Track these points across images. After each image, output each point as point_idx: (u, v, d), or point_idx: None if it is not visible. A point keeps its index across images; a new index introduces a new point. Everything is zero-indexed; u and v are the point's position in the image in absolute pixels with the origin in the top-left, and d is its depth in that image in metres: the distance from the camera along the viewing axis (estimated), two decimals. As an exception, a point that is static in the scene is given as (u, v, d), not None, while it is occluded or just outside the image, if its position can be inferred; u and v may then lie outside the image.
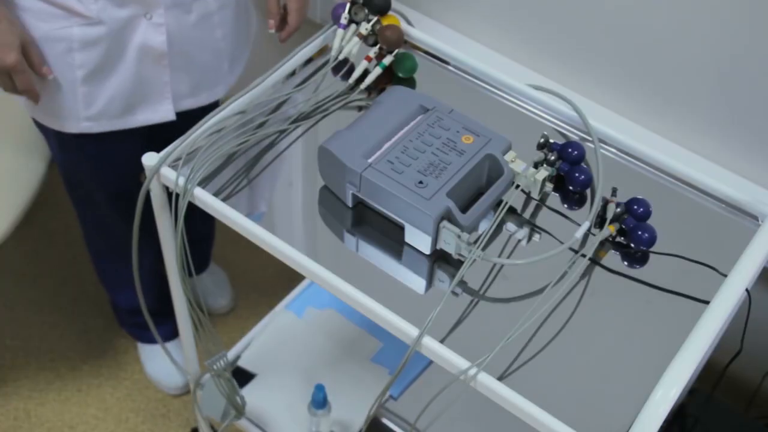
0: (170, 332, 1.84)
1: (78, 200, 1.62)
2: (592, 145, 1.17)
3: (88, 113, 1.31)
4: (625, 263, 1.05)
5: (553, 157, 1.10)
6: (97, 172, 1.46)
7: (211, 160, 1.10)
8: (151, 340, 1.87)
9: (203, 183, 1.10)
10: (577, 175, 1.10)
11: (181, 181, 1.07)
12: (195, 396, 1.50)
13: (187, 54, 1.31)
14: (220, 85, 1.40)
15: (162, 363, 1.86)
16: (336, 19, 1.26)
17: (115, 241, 1.64)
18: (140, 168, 1.10)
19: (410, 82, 1.26)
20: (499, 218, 1.03)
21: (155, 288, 1.76)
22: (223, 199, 1.09)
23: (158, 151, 1.09)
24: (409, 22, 1.33)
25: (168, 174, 1.08)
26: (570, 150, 1.12)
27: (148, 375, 1.88)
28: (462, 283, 1.02)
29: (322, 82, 1.24)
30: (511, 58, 1.46)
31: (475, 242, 1.00)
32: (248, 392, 1.51)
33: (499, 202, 1.08)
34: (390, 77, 1.26)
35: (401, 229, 1.04)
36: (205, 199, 1.07)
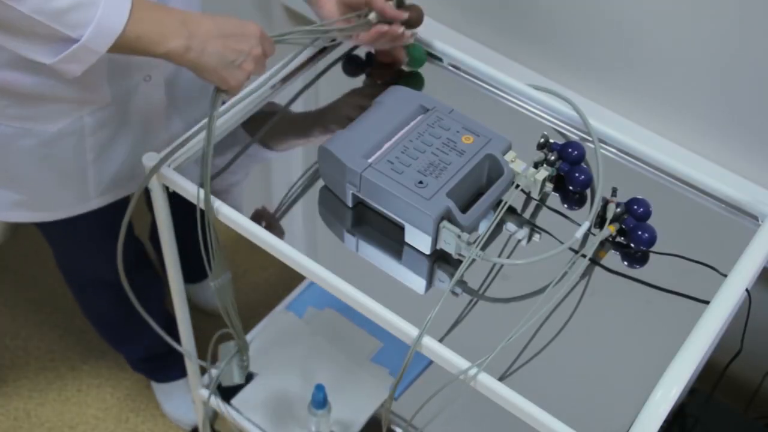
0: (183, 369, 1.79)
1: (74, 280, 1.59)
2: (592, 145, 1.17)
3: (97, 191, 1.26)
4: (625, 263, 1.05)
5: (553, 157, 1.10)
6: (99, 245, 1.41)
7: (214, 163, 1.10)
8: (165, 379, 1.82)
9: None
10: (577, 175, 1.10)
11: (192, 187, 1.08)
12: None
13: (183, 98, 1.27)
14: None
15: (179, 401, 1.81)
16: None
17: (117, 304, 1.56)
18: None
19: (418, 78, 1.26)
20: (499, 218, 1.03)
21: (164, 326, 1.75)
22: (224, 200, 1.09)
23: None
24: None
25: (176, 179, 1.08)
26: (570, 150, 1.12)
27: (165, 413, 1.84)
28: (462, 283, 1.02)
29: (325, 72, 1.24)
30: (511, 58, 1.45)
31: (475, 242, 1.00)
32: (248, 392, 1.51)
33: (499, 202, 1.08)
34: (394, 73, 1.26)
35: (401, 229, 1.04)
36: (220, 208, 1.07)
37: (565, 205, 1.10)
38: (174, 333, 1.56)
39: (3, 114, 1.11)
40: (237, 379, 1.32)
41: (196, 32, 1.01)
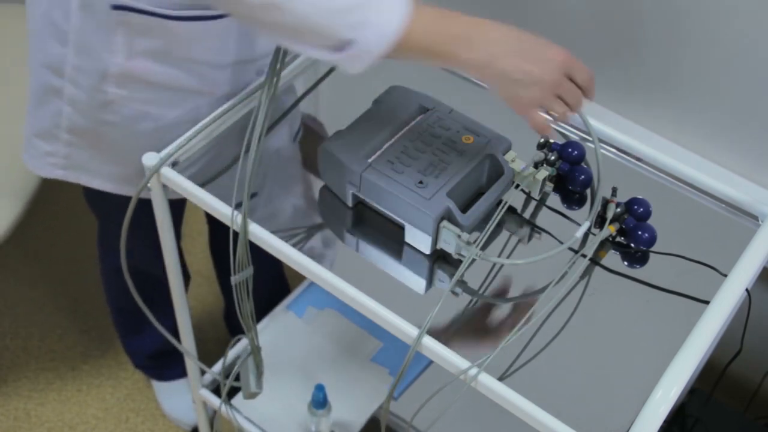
0: (185, 370, 1.80)
1: (109, 262, 1.60)
2: (592, 145, 1.17)
3: None
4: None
5: (553, 157, 1.10)
6: (147, 234, 1.42)
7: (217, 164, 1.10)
8: (166, 378, 1.83)
9: (206, 185, 1.10)
10: (577, 174, 1.10)
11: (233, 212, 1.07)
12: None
13: None
14: None
15: (179, 400, 1.82)
16: None
17: (142, 292, 1.60)
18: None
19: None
20: (498, 218, 1.03)
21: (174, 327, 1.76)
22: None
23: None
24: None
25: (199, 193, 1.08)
26: (570, 150, 1.12)
27: (165, 413, 1.84)
28: (462, 283, 1.02)
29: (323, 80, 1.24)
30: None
31: (475, 242, 1.00)
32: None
33: (499, 202, 1.08)
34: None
35: (401, 229, 1.04)
36: (213, 203, 1.07)
37: (565, 205, 1.10)
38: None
39: (128, 97, 1.15)
40: (254, 387, 1.31)
41: (488, 41, 0.95)
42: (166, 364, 1.79)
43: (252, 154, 1.04)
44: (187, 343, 1.41)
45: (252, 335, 1.21)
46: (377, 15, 0.90)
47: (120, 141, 1.21)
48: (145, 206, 1.21)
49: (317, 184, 1.12)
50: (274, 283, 1.78)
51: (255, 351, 1.25)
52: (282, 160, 1.19)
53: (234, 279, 1.09)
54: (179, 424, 1.82)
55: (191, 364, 1.46)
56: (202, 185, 1.09)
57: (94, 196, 1.37)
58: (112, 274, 1.63)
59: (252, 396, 1.30)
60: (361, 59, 0.92)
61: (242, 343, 1.57)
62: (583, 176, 1.10)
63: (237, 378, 1.31)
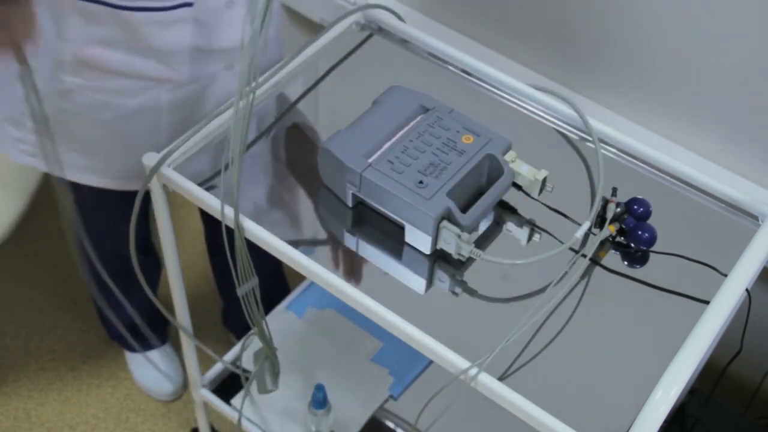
0: (160, 338, 1.87)
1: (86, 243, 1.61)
2: (592, 146, 1.17)
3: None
4: (625, 263, 1.05)
5: (619, 210, 1.06)
6: (123, 221, 1.44)
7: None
8: (139, 349, 1.87)
9: (205, 185, 1.10)
10: (640, 232, 1.05)
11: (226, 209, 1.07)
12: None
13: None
14: None
15: (151, 371, 1.86)
16: None
17: (119, 270, 1.60)
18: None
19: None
20: (498, 218, 1.03)
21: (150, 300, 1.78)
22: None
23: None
24: (400, 18, 1.33)
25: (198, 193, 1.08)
26: (636, 207, 1.07)
27: (137, 383, 1.89)
28: (462, 283, 1.02)
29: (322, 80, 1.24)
30: (511, 58, 1.46)
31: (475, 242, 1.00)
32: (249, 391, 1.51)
33: (499, 202, 1.08)
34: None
35: (401, 229, 1.04)
36: (208, 200, 1.07)
37: (626, 263, 1.06)
38: (159, 310, 1.64)
39: (87, 86, 1.16)
40: (270, 385, 1.31)
41: None
42: (139, 337, 1.80)
43: (235, 169, 1.02)
44: (186, 347, 1.41)
45: (266, 340, 1.22)
46: None
47: (81, 131, 1.21)
48: (128, 196, 1.22)
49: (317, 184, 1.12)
50: (272, 279, 1.79)
51: (271, 354, 1.26)
52: (251, 155, 1.18)
53: (240, 291, 1.09)
54: (150, 393, 1.86)
55: (191, 364, 1.46)
56: (202, 185, 1.09)
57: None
58: (84, 252, 1.64)
59: (268, 392, 1.32)
60: None
61: (251, 342, 1.57)
62: (647, 234, 1.05)
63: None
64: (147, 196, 1.14)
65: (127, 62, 1.14)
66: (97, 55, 1.12)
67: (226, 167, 1.09)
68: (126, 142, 1.24)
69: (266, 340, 1.24)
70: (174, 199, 1.14)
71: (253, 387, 1.53)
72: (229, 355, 1.56)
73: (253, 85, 1.01)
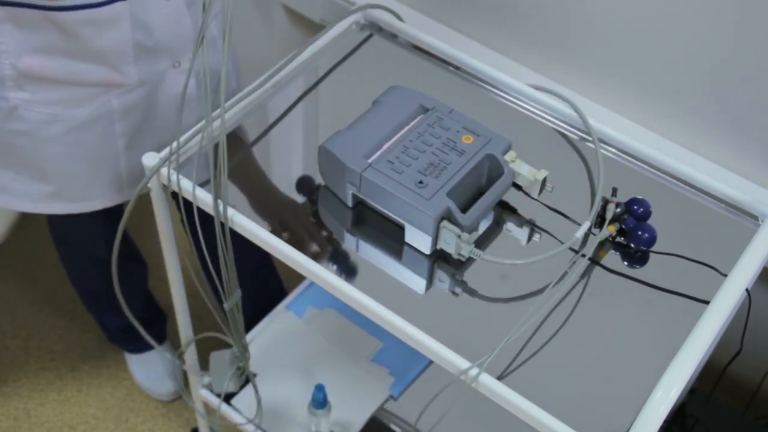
0: (157, 338, 1.87)
1: (67, 254, 1.62)
2: (592, 146, 1.17)
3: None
4: (625, 263, 1.05)
5: (619, 210, 1.06)
6: (99, 230, 1.43)
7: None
8: (139, 350, 1.87)
9: (206, 186, 1.10)
10: (640, 233, 1.05)
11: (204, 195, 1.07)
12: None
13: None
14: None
15: (151, 371, 1.86)
16: None
17: (104, 277, 1.58)
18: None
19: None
20: (496, 217, 1.03)
21: (144, 301, 1.80)
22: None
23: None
24: (399, 18, 1.33)
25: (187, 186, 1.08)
26: (635, 207, 1.07)
27: (137, 383, 1.88)
28: (462, 283, 1.02)
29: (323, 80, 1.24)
30: (511, 58, 1.45)
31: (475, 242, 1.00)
32: (248, 392, 1.51)
33: (499, 202, 1.08)
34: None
35: (401, 229, 1.04)
36: (206, 199, 1.07)
37: (626, 263, 1.06)
38: (153, 308, 1.82)
39: (31, 100, 1.11)
40: (231, 387, 1.35)
41: None
42: (138, 337, 1.82)
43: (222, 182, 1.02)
44: (189, 355, 1.41)
45: (241, 351, 1.23)
46: None
47: (35, 151, 1.16)
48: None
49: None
50: (262, 271, 1.78)
51: (245, 362, 1.27)
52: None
53: (227, 305, 1.08)
54: (150, 393, 1.86)
55: (191, 365, 1.46)
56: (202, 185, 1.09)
57: None
58: (74, 263, 1.65)
59: (224, 391, 1.34)
60: None
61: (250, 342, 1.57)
62: (647, 234, 1.05)
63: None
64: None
65: (70, 69, 1.09)
66: (38, 64, 1.07)
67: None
68: (83, 154, 1.18)
69: (243, 350, 1.25)
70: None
71: (252, 389, 1.53)
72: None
73: (219, 111, 0.97)
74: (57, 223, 1.46)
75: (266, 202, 1.10)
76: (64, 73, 1.09)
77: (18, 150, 1.16)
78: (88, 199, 1.26)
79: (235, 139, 1.17)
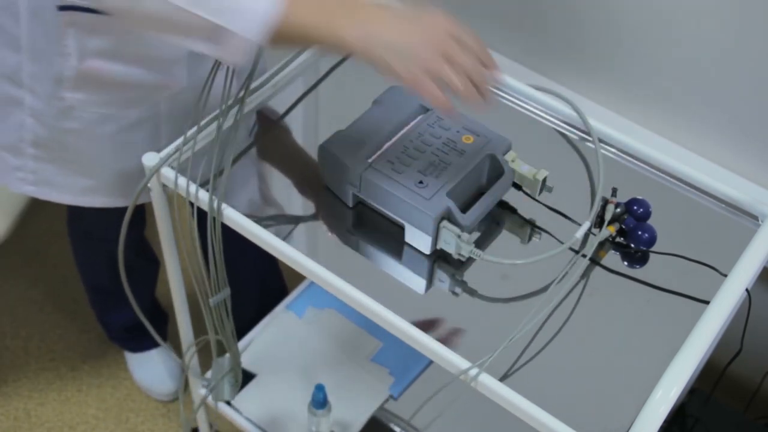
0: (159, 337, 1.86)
1: (81, 248, 1.62)
2: (592, 146, 1.17)
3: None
4: (625, 263, 1.05)
5: (619, 210, 1.06)
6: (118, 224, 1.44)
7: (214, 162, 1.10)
8: (140, 349, 1.87)
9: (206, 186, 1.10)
10: (640, 232, 1.05)
11: (202, 194, 1.07)
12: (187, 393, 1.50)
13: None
14: None
15: (151, 370, 1.86)
16: None
17: (114, 274, 1.61)
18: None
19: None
20: (495, 217, 1.03)
21: (151, 300, 1.80)
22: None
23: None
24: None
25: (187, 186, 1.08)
26: (635, 207, 1.07)
27: (137, 383, 1.88)
28: (462, 283, 1.02)
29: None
30: (511, 58, 1.45)
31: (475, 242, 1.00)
32: (248, 392, 1.51)
33: (499, 202, 1.08)
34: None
35: (401, 229, 1.04)
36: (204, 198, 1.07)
37: (626, 263, 1.07)
38: (157, 309, 1.83)
39: (87, 100, 1.14)
40: (227, 395, 1.35)
41: (366, 18, 0.91)
42: (140, 336, 1.81)
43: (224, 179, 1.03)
44: (189, 356, 1.41)
45: (234, 352, 1.22)
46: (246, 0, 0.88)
47: (84, 148, 1.19)
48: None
49: (275, 178, 1.12)
50: (265, 271, 1.78)
51: (236, 365, 1.26)
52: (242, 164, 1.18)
53: (212, 301, 1.08)
54: (150, 393, 1.86)
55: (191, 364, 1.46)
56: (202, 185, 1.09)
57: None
58: (86, 256, 1.66)
59: (222, 400, 1.34)
60: (240, 48, 0.90)
61: (250, 342, 1.58)
62: (646, 235, 1.05)
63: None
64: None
65: (126, 72, 1.12)
66: (97, 67, 1.10)
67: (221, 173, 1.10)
68: (128, 154, 1.22)
69: (234, 352, 1.25)
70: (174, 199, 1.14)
71: (252, 389, 1.53)
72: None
73: (241, 95, 0.99)
74: (85, 215, 1.47)
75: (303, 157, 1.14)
76: (120, 75, 1.12)
77: (67, 147, 1.20)
78: (127, 195, 1.29)
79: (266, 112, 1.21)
